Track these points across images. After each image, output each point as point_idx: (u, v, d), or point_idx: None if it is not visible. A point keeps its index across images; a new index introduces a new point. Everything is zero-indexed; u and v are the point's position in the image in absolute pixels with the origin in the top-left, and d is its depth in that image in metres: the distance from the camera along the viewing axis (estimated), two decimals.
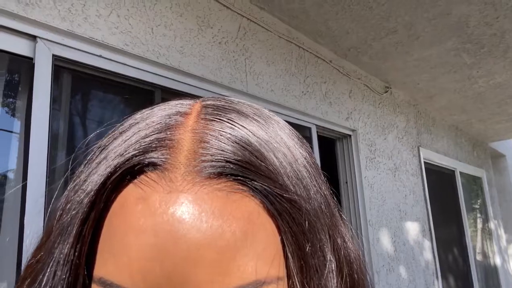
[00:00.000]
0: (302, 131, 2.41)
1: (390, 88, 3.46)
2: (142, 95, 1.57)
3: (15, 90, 1.29)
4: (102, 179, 0.27)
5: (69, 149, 1.39)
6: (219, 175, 0.26)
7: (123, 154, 0.28)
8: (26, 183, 1.18)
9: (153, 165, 0.27)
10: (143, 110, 0.33)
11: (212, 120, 0.29)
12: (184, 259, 0.24)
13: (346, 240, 0.33)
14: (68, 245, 0.27)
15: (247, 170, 0.27)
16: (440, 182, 4.34)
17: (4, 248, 1.15)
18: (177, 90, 1.66)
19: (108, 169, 0.27)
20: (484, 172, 5.78)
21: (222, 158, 0.27)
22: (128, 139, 0.29)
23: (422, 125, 4.04)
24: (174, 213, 0.25)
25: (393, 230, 3.06)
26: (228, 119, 0.30)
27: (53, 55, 1.28)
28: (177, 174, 0.26)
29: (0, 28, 1.18)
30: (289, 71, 2.34)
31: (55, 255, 0.27)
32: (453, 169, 4.65)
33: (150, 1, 1.60)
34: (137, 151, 0.27)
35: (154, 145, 0.28)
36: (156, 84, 1.59)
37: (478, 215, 5.64)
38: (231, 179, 0.27)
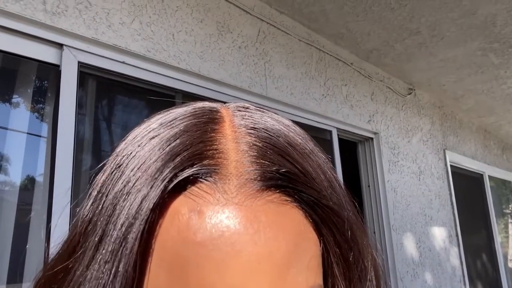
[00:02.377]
0: (322, 134, 2.39)
1: (414, 90, 3.39)
2: (164, 99, 1.60)
3: (43, 96, 1.35)
4: (159, 192, 0.25)
5: (94, 153, 1.44)
6: (270, 187, 0.26)
7: (173, 164, 0.26)
8: (52, 186, 1.22)
9: (205, 176, 0.26)
10: (168, 114, 0.31)
11: (249, 129, 0.29)
12: (245, 272, 0.24)
13: (374, 249, 0.34)
14: (121, 265, 0.25)
15: (294, 182, 0.27)
16: (467, 186, 4.20)
17: (32, 251, 1.20)
18: (198, 95, 1.69)
19: (164, 181, 0.26)
20: None
21: (271, 170, 0.27)
22: (168, 147, 0.27)
23: (448, 127, 3.93)
24: (232, 226, 0.24)
25: (418, 235, 2.99)
26: (263, 128, 0.30)
27: (79, 62, 1.33)
28: (231, 186, 0.26)
29: (29, 37, 1.24)
30: (309, 74, 2.33)
31: (102, 275, 0.25)
32: (481, 173, 4.50)
33: (171, 8, 1.63)
34: (188, 162, 0.26)
35: (202, 155, 0.27)
36: (177, 89, 1.62)
37: (510, 220, 5.42)
38: (280, 190, 0.27)
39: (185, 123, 0.29)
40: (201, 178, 0.26)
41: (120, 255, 0.25)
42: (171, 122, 0.30)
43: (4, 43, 1.19)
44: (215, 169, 0.26)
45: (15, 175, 1.26)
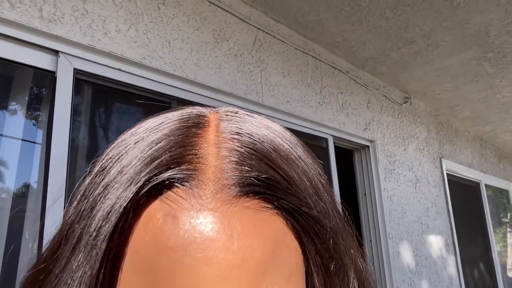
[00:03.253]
0: (318, 141, 2.40)
1: (410, 98, 3.41)
2: (160, 106, 1.61)
3: (38, 103, 1.35)
4: (130, 195, 0.26)
5: (88, 160, 1.44)
6: (248, 193, 0.26)
7: (148, 168, 0.26)
8: (46, 193, 1.22)
9: (181, 181, 0.26)
10: (156, 119, 0.31)
11: (233, 134, 0.29)
12: (216, 280, 0.23)
13: (362, 259, 0.33)
14: (93, 266, 0.25)
15: (274, 188, 0.26)
16: (464, 195, 4.21)
17: (25, 258, 1.19)
18: (194, 102, 1.69)
19: (137, 184, 0.26)
20: (511, 184, 5.57)
21: (250, 176, 0.26)
22: (148, 151, 0.28)
23: (444, 136, 3.95)
24: (205, 232, 0.24)
25: (415, 243, 2.98)
26: (248, 133, 0.29)
27: (74, 69, 1.34)
28: (206, 191, 0.26)
29: (25, 43, 1.25)
30: (305, 82, 2.34)
31: (76, 275, 0.25)
32: (478, 181, 4.51)
33: (168, 16, 1.65)
34: (164, 166, 0.26)
35: (180, 160, 0.27)
36: (173, 96, 1.63)
37: (508, 229, 5.42)
38: (259, 197, 0.26)
39: (169, 127, 0.29)
40: (177, 183, 0.26)
41: (90, 259, 0.25)
42: (157, 126, 0.30)
43: (0, 49, 1.20)
44: (192, 174, 0.26)
45: (9, 182, 1.26)
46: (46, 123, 1.32)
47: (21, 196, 1.27)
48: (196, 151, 0.27)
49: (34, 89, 1.35)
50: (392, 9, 2.14)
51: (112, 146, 0.31)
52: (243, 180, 0.26)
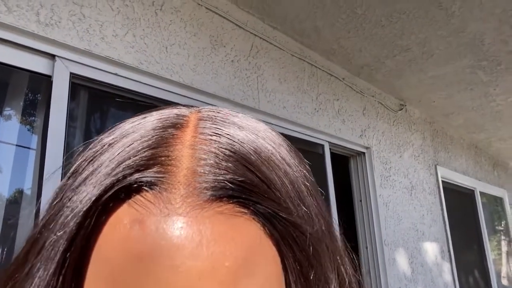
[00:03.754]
0: (315, 148, 2.40)
1: (405, 105, 3.43)
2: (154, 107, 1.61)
3: (33, 107, 1.34)
4: (93, 198, 0.25)
5: None
6: (221, 197, 0.24)
7: (115, 171, 0.25)
8: (40, 199, 1.21)
9: (150, 185, 0.25)
10: (134, 119, 0.30)
11: (211, 135, 0.27)
12: None
13: (348, 267, 0.31)
14: (50, 272, 0.24)
15: (250, 192, 0.25)
16: (459, 202, 4.22)
17: None
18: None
19: (101, 187, 0.25)
20: (506, 192, 5.60)
21: (224, 179, 0.25)
22: (119, 153, 0.26)
23: (439, 143, 3.97)
24: (173, 239, 0.23)
25: (410, 250, 2.98)
26: (227, 134, 0.28)
27: (71, 73, 1.33)
28: (176, 196, 0.24)
29: (22, 47, 1.24)
30: (301, 88, 2.35)
31: (35, 281, 0.24)
32: (473, 189, 4.53)
33: (165, 22, 1.65)
34: (131, 169, 0.25)
35: (151, 162, 0.25)
36: (170, 101, 1.63)
37: (503, 237, 5.43)
38: (233, 201, 0.25)
39: (145, 128, 0.28)
40: (145, 186, 0.25)
41: (48, 265, 0.24)
42: (134, 127, 0.29)
43: None
44: (162, 177, 0.25)
45: (3, 188, 1.24)
46: (41, 128, 1.31)
47: (14, 203, 1.25)
48: (170, 152, 0.26)
49: (30, 93, 1.35)
50: (387, 17, 2.16)
51: (88, 148, 0.30)
52: (216, 183, 0.25)
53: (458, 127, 4.17)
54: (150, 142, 0.27)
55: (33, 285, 0.24)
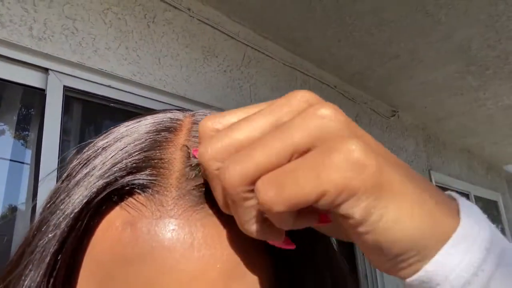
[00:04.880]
0: None
1: (397, 112, 3.47)
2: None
3: (27, 121, 1.35)
4: (84, 200, 0.25)
5: None
6: (213, 199, 0.24)
7: (107, 173, 0.25)
8: (34, 214, 1.20)
9: (142, 187, 0.25)
10: (128, 123, 0.31)
11: None
12: None
13: (343, 265, 0.31)
14: (41, 273, 0.24)
15: None
16: None
17: None
18: None
19: (93, 190, 0.25)
20: (500, 195, 5.64)
21: None
22: (113, 155, 0.26)
23: (432, 148, 4.01)
24: (164, 241, 0.23)
25: None
26: None
27: (64, 86, 1.34)
28: (168, 198, 0.24)
29: (15, 62, 1.25)
30: None
31: (26, 282, 0.24)
32: (467, 193, 4.56)
33: (157, 34, 1.67)
34: (123, 171, 0.25)
35: (143, 164, 0.26)
36: None
37: None
38: None
39: (138, 132, 0.28)
40: (137, 188, 0.25)
41: (39, 267, 0.24)
42: (128, 130, 0.29)
43: None
44: (155, 179, 0.25)
45: None
46: (35, 142, 1.31)
47: (8, 218, 1.24)
48: (163, 155, 0.26)
49: (24, 107, 1.35)
50: (376, 26, 2.20)
51: (82, 151, 0.30)
52: (208, 185, 0.24)
53: (450, 132, 4.22)
54: (143, 145, 0.27)
55: (24, 286, 0.24)
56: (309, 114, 0.21)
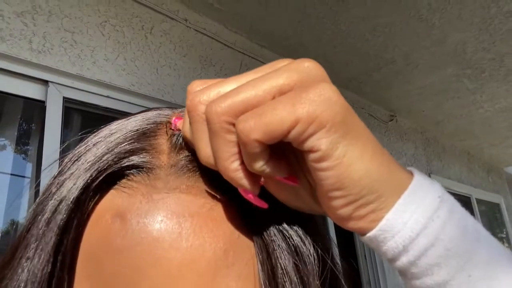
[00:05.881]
0: None
1: (395, 116, 3.49)
2: None
3: (27, 133, 1.36)
4: (82, 184, 0.25)
5: None
6: (202, 191, 0.25)
7: (101, 159, 0.26)
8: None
9: (135, 167, 0.26)
10: (119, 121, 0.31)
11: None
12: (163, 281, 0.22)
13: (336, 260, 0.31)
14: (45, 257, 0.24)
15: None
16: None
17: None
18: None
19: (88, 174, 0.25)
20: (502, 198, 5.62)
21: None
22: (104, 147, 0.27)
23: (432, 152, 4.02)
24: (153, 232, 0.23)
25: None
26: None
27: (64, 98, 1.36)
28: (161, 171, 0.26)
29: (15, 75, 1.27)
30: None
31: (23, 276, 0.24)
32: (469, 196, 4.55)
33: (155, 44, 1.70)
34: (116, 158, 0.26)
35: (135, 150, 0.27)
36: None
37: (506, 245, 5.41)
38: (213, 182, 0.26)
39: (128, 127, 0.29)
40: (130, 169, 0.26)
41: (35, 260, 0.24)
42: (118, 126, 0.30)
43: None
44: (148, 160, 0.26)
45: None
46: (36, 155, 1.32)
47: (9, 233, 1.24)
48: (152, 143, 0.28)
49: (24, 119, 1.37)
50: (371, 31, 2.23)
51: (76, 148, 0.30)
52: (197, 161, 0.25)
53: (449, 135, 4.23)
54: (133, 136, 0.28)
55: (19, 280, 0.24)
56: (294, 63, 0.23)
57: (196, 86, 0.25)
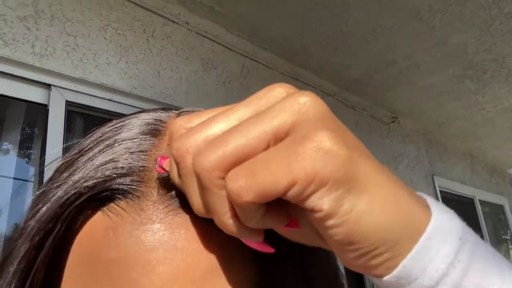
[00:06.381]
0: None
1: (397, 118, 3.48)
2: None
3: (30, 136, 1.37)
4: (60, 204, 0.24)
5: None
6: None
7: (88, 178, 0.25)
8: None
9: (123, 192, 0.25)
10: (113, 123, 0.30)
11: None
12: None
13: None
14: (19, 276, 0.24)
15: None
16: (459, 211, 4.17)
17: None
18: None
19: (71, 193, 0.25)
20: (506, 199, 5.60)
21: None
22: (95, 158, 0.26)
23: (434, 153, 4.01)
24: (147, 244, 0.23)
25: None
26: None
27: (66, 101, 1.37)
28: (149, 203, 0.24)
29: (18, 78, 1.28)
30: None
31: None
32: (472, 197, 4.53)
33: (157, 48, 1.71)
34: (105, 177, 0.25)
35: (125, 171, 0.25)
36: None
37: (510, 246, 5.37)
38: None
39: (122, 137, 0.28)
40: (119, 194, 0.25)
41: (18, 270, 0.24)
42: (112, 131, 0.29)
43: None
44: (136, 185, 0.25)
45: (1, 223, 1.21)
46: (39, 159, 1.33)
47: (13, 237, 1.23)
48: (145, 164, 0.26)
49: (27, 122, 1.38)
50: (372, 33, 2.23)
51: (67, 153, 0.30)
52: None
53: (452, 136, 4.22)
54: (126, 148, 0.27)
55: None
56: (289, 100, 0.21)
57: (180, 127, 0.23)
